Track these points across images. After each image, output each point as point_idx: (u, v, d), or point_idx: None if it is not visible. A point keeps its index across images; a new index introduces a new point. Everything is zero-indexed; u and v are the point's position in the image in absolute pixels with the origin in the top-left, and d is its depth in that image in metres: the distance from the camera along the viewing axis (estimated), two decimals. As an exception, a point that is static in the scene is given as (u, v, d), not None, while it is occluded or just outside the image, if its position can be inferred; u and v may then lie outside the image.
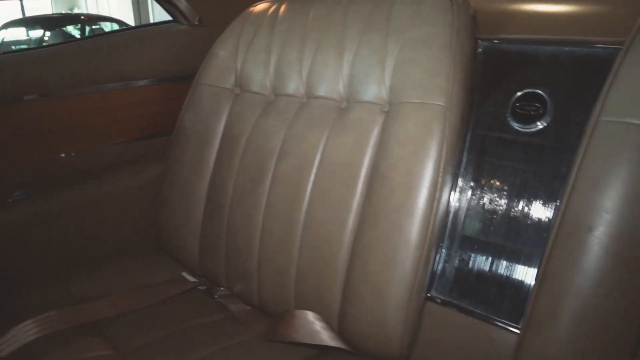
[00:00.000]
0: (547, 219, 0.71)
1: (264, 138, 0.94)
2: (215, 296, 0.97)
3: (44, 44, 5.43)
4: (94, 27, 5.57)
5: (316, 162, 0.85)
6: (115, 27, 5.94)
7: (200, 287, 1.01)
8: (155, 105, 1.19)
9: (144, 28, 1.22)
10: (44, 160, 1.10)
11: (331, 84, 0.88)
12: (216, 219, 0.99)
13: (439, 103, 0.73)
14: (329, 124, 0.85)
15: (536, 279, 0.64)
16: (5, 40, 5.51)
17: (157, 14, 7.54)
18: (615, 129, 0.60)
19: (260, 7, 1.07)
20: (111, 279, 1.02)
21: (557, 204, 0.70)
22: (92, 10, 8.08)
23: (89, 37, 1.16)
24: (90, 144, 1.15)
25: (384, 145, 0.77)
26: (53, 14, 6.43)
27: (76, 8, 8.96)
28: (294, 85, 0.94)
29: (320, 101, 0.89)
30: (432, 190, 0.72)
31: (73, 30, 5.48)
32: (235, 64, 1.04)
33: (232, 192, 0.97)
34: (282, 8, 1.01)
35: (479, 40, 0.82)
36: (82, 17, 5.65)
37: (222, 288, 0.99)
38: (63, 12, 7.67)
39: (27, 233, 1.05)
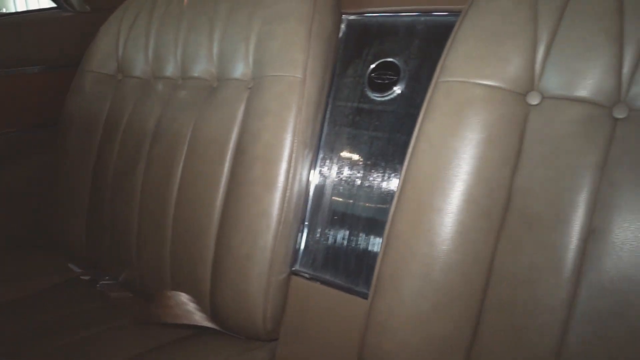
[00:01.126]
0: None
1: (142, 121, 0.92)
2: (97, 285, 0.94)
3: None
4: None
5: (187, 142, 0.83)
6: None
7: (83, 277, 0.98)
8: (41, 95, 1.14)
9: (26, 14, 1.18)
10: None
11: (204, 64, 0.87)
12: (100, 206, 0.96)
13: (295, 75, 0.73)
14: (199, 104, 0.84)
15: (382, 243, 0.64)
16: None
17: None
18: (452, 88, 0.61)
19: None
20: None
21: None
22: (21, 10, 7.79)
23: None
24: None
25: (246, 121, 0.76)
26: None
27: (4, 9, 8.63)
28: (171, 68, 0.92)
29: (194, 81, 0.88)
30: (288, 162, 0.72)
31: None
32: (117, 50, 1.01)
33: (112, 177, 0.94)
34: None
35: (344, 15, 0.83)
36: None
37: (107, 277, 0.96)
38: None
39: None
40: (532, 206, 0.57)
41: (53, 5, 1.18)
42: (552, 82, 0.58)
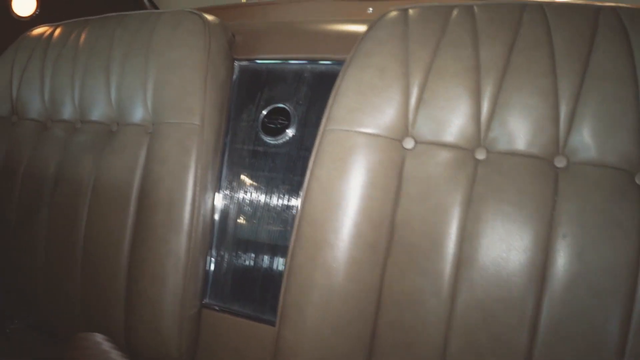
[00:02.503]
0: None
1: (41, 166, 0.93)
2: (7, 330, 0.94)
3: None
4: None
5: (90, 186, 0.86)
6: None
7: None
8: None
9: None
10: None
11: (102, 108, 0.90)
12: (2, 254, 0.96)
13: (193, 122, 0.79)
14: (100, 148, 0.87)
15: (284, 276, 0.72)
16: None
17: None
18: (337, 136, 0.70)
19: (36, 31, 1.05)
20: None
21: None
22: None
23: None
24: None
25: (148, 166, 0.81)
26: None
27: None
28: (68, 111, 0.94)
29: (93, 125, 0.91)
30: (192, 205, 0.77)
31: None
32: (11, 92, 1.01)
33: (14, 224, 0.94)
34: (56, 32, 1.01)
35: (236, 61, 0.90)
36: None
37: (15, 321, 0.96)
38: None
39: None
40: (412, 238, 0.67)
41: None
42: (424, 129, 0.69)
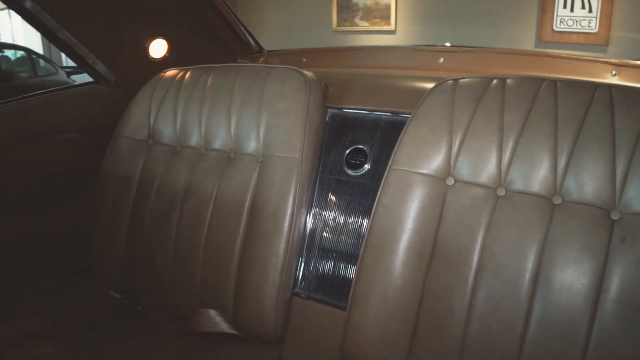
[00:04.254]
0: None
1: (173, 182, 1.23)
2: (138, 307, 1.24)
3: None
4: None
5: (212, 200, 1.15)
6: (22, 54, 5.90)
7: (125, 302, 1.27)
8: (77, 154, 1.43)
9: (68, 89, 1.47)
10: None
11: (223, 139, 1.19)
12: (137, 247, 1.26)
13: (294, 157, 1.07)
14: (221, 171, 1.16)
15: (355, 273, 0.98)
16: None
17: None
18: (399, 174, 0.96)
19: (168, 73, 1.36)
20: (43, 297, 1.25)
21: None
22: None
23: (20, 97, 1.36)
24: (27, 182, 1.37)
25: (259, 187, 1.09)
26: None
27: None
28: (195, 139, 1.24)
29: (215, 153, 1.20)
30: (291, 218, 1.05)
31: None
32: (149, 120, 1.32)
33: (149, 225, 1.25)
34: (187, 75, 1.32)
35: (329, 109, 1.17)
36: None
37: (144, 301, 1.26)
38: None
39: None
40: (447, 250, 0.92)
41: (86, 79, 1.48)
42: (461, 172, 0.94)
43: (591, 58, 1.32)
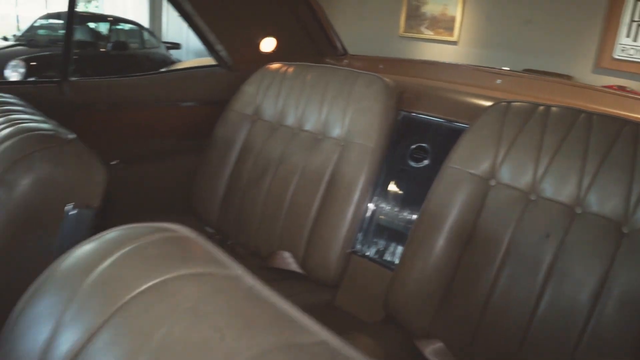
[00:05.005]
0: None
1: (269, 150, 1.43)
2: (228, 242, 1.45)
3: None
4: (115, 27, 6.01)
5: (299, 171, 1.34)
6: (134, 28, 6.31)
7: (216, 236, 1.49)
8: (194, 119, 1.66)
9: (196, 69, 1.70)
10: (131, 143, 1.55)
11: (314, 124, 1.37)
12: (232, 196, 1.47)
13: (370, 145, 1.24)
14: (309, 148, 1.35)
15: (406, 244, 1.14)
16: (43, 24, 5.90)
17: (172, 19, 7.88)
18: (453, 171, 1.11)
19: (274, 66, 1.55)
20: None
21: None
22: (107, 7, 8.38)
23: (162, 71, 1.64)
24: (155, 137, 1.61)
25: (338, 165, 1.27)
26: (83, 12, 6.79)
27: (94, 1, 9.20)
28: (291, 120, 1.43)
29: (306, 133, 1.39)
30: (360, 192, 1.22)
31: (95, 27, 5.89)
32: (256, 100, 1.52)
33: (245, 181, 1.45)
34: (290, 69, 1.50)
35: (401, 111, 1.33)
36: (109, 19, 6.04)
37: (231, 239, 1.47)
38: (85, 7, 8.03)
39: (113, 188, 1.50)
40: (483, 235, 1.06)
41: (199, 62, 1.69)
42: (503, 176, 1.07)
43: (631, 96, 1.41)
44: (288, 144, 1.40)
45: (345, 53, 1.89)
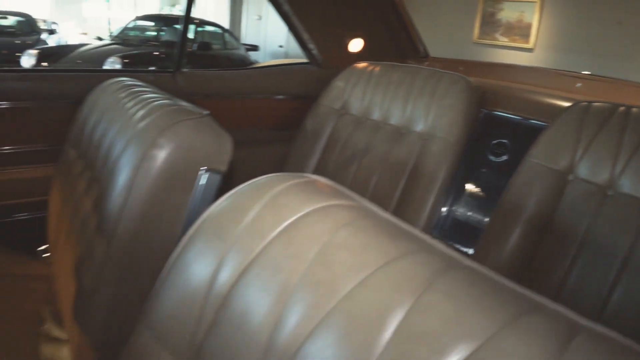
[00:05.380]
0: (497, 205, 1.30)
1: (355, 142, 1.55)
2: None
3: (162, 33, 6.36)
4: (200, 29, 6.45)
5: (383, 160, 1.45)
6: (217, 30, 6.72)
7: None
8: (282, 111, 1.82)
9: (288, 66, 1.87)
10: (229, 131, 1.74)
11: (398, 119, 1.48)
12: None
13: (451, 139, 1.33)
14: (393, 140, 1.46)
15: (483, 234, 1.22)
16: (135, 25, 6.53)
17: (250, 19, 8.26)
18: (532, 164, 1.18)
19: (361, 65, 1.68)
20: None
21: None
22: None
23: (259, 66, 1.83)
24: (249, 126, 1.79)
25: (421, 157, 1.37)
26: (171, 14, 7.37)
27: (178, 5, 9.81)
28: (376, 115, 1.55)
29: (391, 127, 1.50)
30: (441, 181, 1.32)
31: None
32: (344, 95, 1.65)
33: (332, 168, 1.59)
34: (376, 68, 1.62)
35: (482, 109, 1.41)
36: (196, 21, 6.48)
37: None
38: (170, 10, 8.65)
39: None
40: (559, 227, 1.12)
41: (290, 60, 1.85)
42: (581, 172, 1.13)
43: None
44: (373, 136, 1.52)
45: (427, 55, 1.99)
